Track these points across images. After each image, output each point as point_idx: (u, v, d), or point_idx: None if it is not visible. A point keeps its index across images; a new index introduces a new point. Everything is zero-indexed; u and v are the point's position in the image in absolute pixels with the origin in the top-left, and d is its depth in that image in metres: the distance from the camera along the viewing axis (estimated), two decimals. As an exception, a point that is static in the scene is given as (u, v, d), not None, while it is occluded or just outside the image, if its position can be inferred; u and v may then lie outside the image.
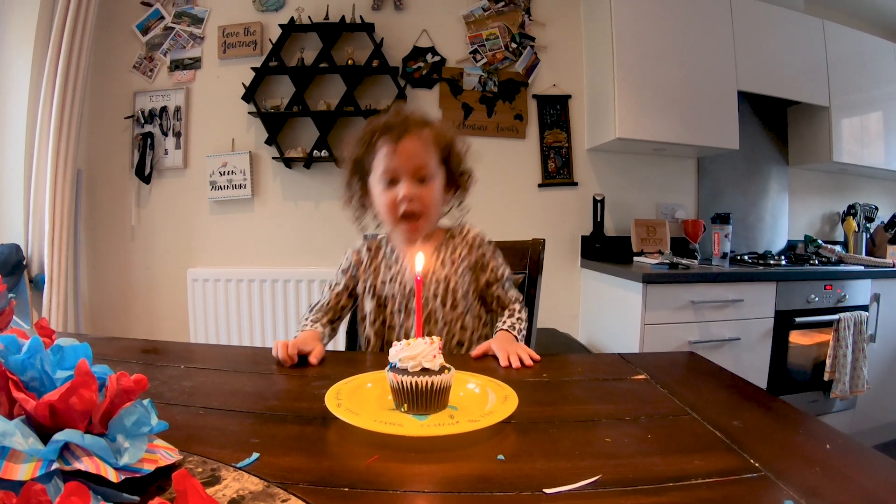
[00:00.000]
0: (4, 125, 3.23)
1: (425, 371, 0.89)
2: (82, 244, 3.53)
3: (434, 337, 0.94)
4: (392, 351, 0.93)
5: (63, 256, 3.17)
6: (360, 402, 0.93)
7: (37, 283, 3.14)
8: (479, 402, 0.95)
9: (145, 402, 0.66)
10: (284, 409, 0.96)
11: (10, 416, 0.58)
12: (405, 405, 0.91)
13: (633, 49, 3.31)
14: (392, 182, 1.44)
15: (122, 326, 3.65)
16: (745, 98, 3.60)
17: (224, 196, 3.58)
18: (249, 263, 3.59)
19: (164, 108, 3.57)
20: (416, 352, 0.90)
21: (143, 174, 3.52)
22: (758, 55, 3.54)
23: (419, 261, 1.02)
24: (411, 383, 0.89)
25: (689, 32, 3.41)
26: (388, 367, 0.93)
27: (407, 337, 1.44)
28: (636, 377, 1.17)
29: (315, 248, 3.59)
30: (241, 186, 3.57)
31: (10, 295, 0.85)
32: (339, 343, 1.75)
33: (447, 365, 0.93)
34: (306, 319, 1.53)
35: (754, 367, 3.15)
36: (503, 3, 3.62)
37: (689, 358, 1.38)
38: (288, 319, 3.47)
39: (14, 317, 0.91)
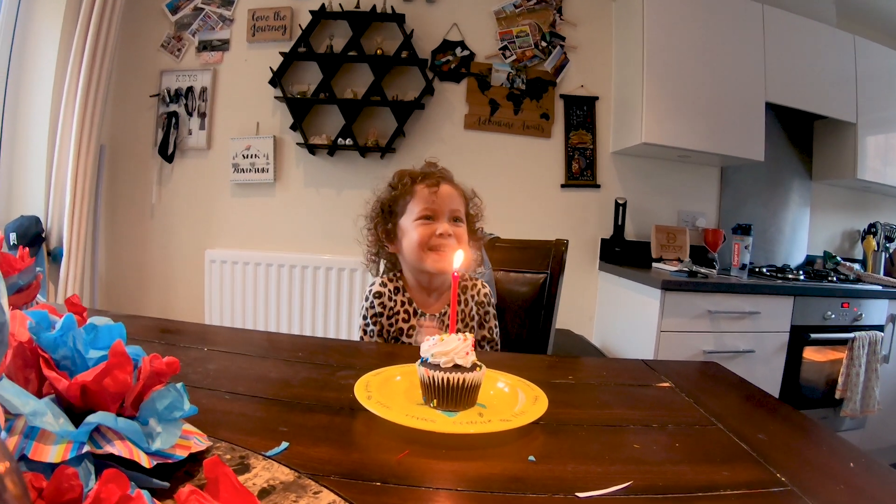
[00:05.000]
0: (31, 97, 3.24)
1: (457, 367, 0.89)
2: (102, 219, 3.55)
3: (467, 333, 0.93)
4: (424, 346, 0.93)
5: (82, 230, 3.19)
6: (390, 394, 0.92)
7: (55, 256, 3.15)
8: (509, 402, 0.94)
9: (178, 385, 0.65)
10: (311, 397, 0.94)
11: (39, 395, 0.57)
12: (435, 401, 0.90)
13: (664, 55, 3.29)
14: (429, 219, 1.53)
15: (137, 303, 3.67)
16: (772, 109, 3.56)
17: (246, 179, 3.59)
18: (268, 248, 3.60)
19: (190, 88, 3.57)
20: (449, 348, 0.89)
21: (166, 153, 3.53)
22: (787, 67, 3.50)
23: (458, 258, 1.02)
24: (443, 379, 0.88)
25: (720, 41, 3.38)
26: (420, 361, 0.92)
27: None
28: (661, 384, 1.17)
29: (335, 236, 3.58)
30: (263, 170, 3.57)
31: (38, 269, 0.84)
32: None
33: (479, 362, 0.92)
34: None
35: (767, 381, 3.13)
36: (535, 1, 3.60)
37: (712, 368, 1.38)
38: (304, 305, 3.48)
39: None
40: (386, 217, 1.61)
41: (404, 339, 1.58)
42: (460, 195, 1.60)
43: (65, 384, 0.56)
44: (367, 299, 1.61)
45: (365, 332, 1.60)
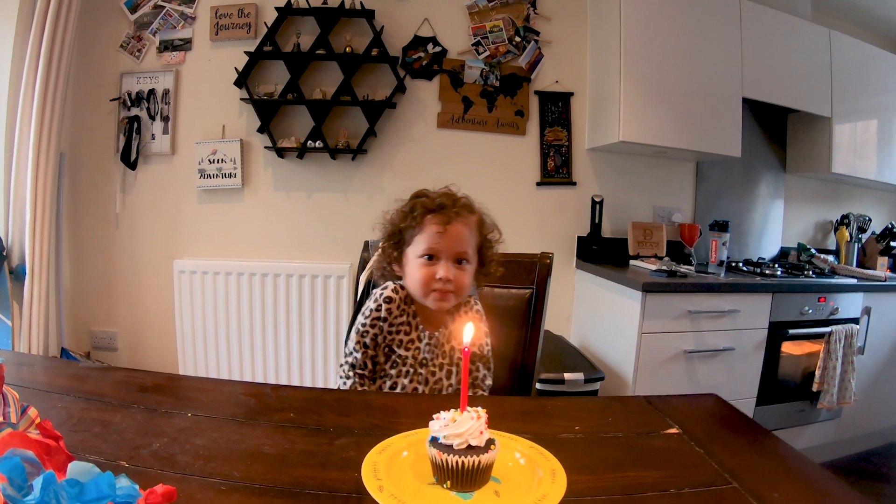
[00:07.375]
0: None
1: (471, 449, 0.83)
2: (64, 232, 3.41)
3: (480, 409, 0.87)
4: (435, 424, 0.86)
5: (45, 246, 3.05)
6: (399, 476, 0.86)
7: (17, 275, 3.01)
8: (525, 476, 0.89)
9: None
10: (313, 480, 0.87)
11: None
12: (448, 482, 0.84)
13: (641, 51, 3.25)
14: (431, 259, 1.49)
15: (105, 318, 3.56)
16: (747, 103, 3.54)
17: (213, 185, 3.47)
18: (238, 256, 3.50)
19: (151, 91, 3.43)
20: (462, 429, 0.83)
21: (129, 160, 3.39)
22: (764, 62, 3.50)
23: (468, 331, 0.94)
24: (458, 463, 0.82)
25: (697, 36, 3.35)
26: (430, 440, 0.86)
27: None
28: (669, 431, 1.14)
29: (307, 242, 3.51)
30: (231, 175, 3.45)
31: (0, 360, 0.76)
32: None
33: (493, 438, 0.87)
34: (350, 381, 1.53)
35: (746, 377, 3.16)
36: (508, -6, 3.53)
37: (715, 405, 1.34)
38: (277, 314, 3.40)
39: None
40: (397, 242, 1.57)
41: (402, 350, 1.54)
42: (473, 232, 1.54)
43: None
44: (375, 300, 1.56)
45: (362, 335, 1.54)
